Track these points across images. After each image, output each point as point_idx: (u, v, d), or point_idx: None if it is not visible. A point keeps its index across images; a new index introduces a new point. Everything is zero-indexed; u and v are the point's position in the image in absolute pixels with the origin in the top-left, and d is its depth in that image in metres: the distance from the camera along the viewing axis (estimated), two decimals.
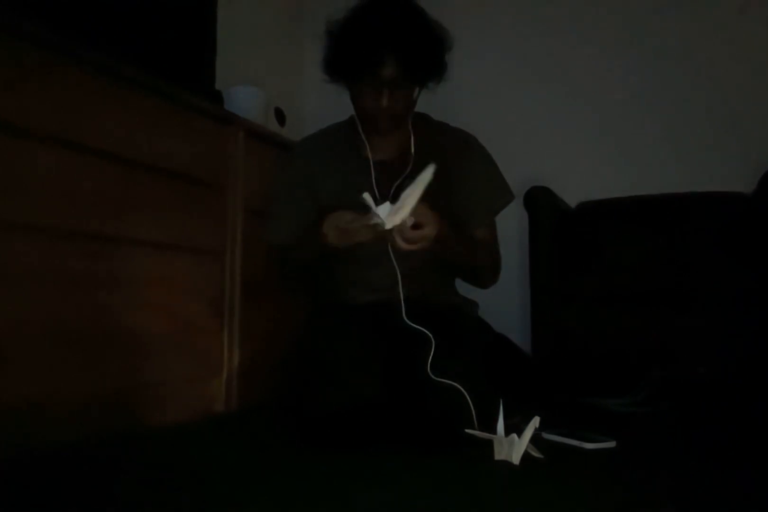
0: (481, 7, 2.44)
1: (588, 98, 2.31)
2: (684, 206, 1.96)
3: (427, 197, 1.18)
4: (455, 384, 1.13)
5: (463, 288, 1.52)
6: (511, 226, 2.08)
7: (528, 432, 1.06)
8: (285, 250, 1.45)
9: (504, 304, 2.09)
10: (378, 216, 1.09)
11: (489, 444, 1.09)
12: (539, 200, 1.98)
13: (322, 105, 2.35)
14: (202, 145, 1.55)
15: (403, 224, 1.11)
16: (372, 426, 1.17)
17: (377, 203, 1.12)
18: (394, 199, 1.13)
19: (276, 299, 1.74)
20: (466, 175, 1.42)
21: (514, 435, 1.06)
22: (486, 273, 1.45)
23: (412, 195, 1.09)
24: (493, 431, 1.09)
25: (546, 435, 1.25)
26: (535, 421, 1.06)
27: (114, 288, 1.29)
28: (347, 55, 1.28)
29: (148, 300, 1.37)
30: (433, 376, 1.15)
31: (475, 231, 1.43)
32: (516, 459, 1.05)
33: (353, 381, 1.20)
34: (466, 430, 1.10)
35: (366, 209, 1.11)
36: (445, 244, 1.24)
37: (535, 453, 1.07)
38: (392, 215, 1.10)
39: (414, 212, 1.11)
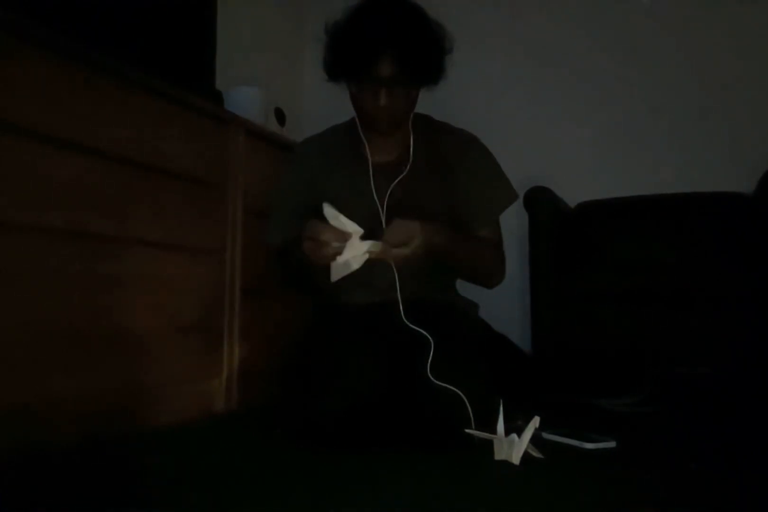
0: (481, 7, 2.45)
1: (588, 98, 2.31)
2: (684, 206, 1.96)
3: (427, 199, 1.18)
4: (454, 388, 1.13)
5: (463, 287, 1.52)
6: (511, 226, 2.08)
7: (528, 432, 1.06)
8: (284, 252, 1.45)
9: (504, 304, 2.10)
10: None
11: (489, 445, 1.09)
12: (539, 200, 1.98)
13: (322, 105, 2.35)
14: (202, 145, 1.55)
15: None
16: (372, 428, 1.17)
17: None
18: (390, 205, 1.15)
19: (276, 299, 1.74)
20: (468, 175, 1.43)
21: (514, 435, 1.06)
22: (492, 272, 1.45)
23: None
24: (494, 431, 1.09)
25: (546, 435, 1.25)
26: (535, 421, 1.06)
27: (114, 288, 1.29)
28: (346, 54, 1.28)
29: (148, 300, 1.37)
30: (432, 378, 1.15)
31: (479, 231, 1.44)
32: (516, 459, 1.05)
33: (353, 382, 1.20)
34: (467, 430, 1.10)
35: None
36: (445, 252, 1.26)
37: (535, 453, 1.07)
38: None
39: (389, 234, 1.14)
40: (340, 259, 1.12)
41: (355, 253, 1.12)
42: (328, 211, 1.12)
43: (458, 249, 1.31)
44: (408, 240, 1.14)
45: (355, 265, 1.13)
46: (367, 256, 1.14)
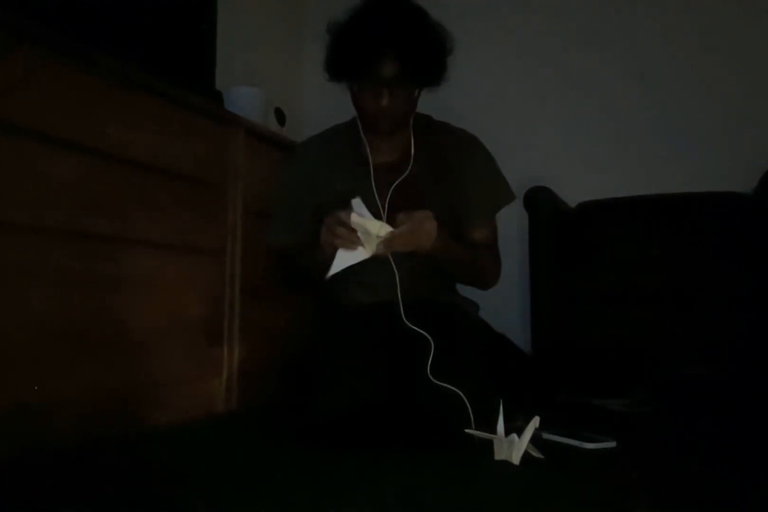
0: (482, 6, 2.44)
1: (588, 98, 2.31)
2: (684, 206, 1.96)
3: (428, 200, 1.19)
4: (454, 388, 1.13)
5: (463, 288, 1.52)
6: (511, 226, 2.08)
7: (528, 432, 1.06)
8: (286, 253, 1.45)
9: (504, 304, 2.09)
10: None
11: (489, 445, 1.09)
12: (539, 200, 1.98)
13: (322, 105, 2.35)
14: (202, 145, 1.55)
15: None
16: (373, 428, 1.17)
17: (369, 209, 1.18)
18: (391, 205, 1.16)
19: (276, 299, 1.74)
20: (466, 175, 1.43)
21: (514, 435, 1.06)
22: (488, 274, 1.45)
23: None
24: (494, 431, 1.09)
25: (546, 435, 1.24)
26: (535, 421, 1.06)
27: (114, 288, 1.29)
28: (348, 54, 1.28)
29: (148, 300, 1.37)
30: (432, 378, 1.15)
31: (475, 230, 1.44)
32: (516, 459, 1.05)
33: (354, 382, 1.20)
34: (467, 430, 1.10)
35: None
36: (445, 258, 1.27)
37: (535, 453, 1.07)
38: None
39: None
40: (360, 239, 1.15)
41: (369, 236, 1.15)
42: (356, 203, 1.17)
43: (455, 255, 1.32)
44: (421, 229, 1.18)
45: (365, 254, 1.16)
46: (371, 251, 1.15)
